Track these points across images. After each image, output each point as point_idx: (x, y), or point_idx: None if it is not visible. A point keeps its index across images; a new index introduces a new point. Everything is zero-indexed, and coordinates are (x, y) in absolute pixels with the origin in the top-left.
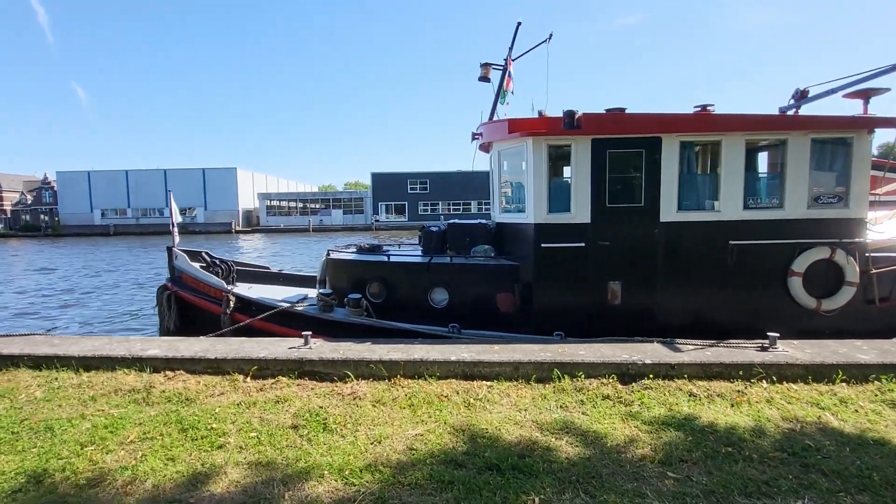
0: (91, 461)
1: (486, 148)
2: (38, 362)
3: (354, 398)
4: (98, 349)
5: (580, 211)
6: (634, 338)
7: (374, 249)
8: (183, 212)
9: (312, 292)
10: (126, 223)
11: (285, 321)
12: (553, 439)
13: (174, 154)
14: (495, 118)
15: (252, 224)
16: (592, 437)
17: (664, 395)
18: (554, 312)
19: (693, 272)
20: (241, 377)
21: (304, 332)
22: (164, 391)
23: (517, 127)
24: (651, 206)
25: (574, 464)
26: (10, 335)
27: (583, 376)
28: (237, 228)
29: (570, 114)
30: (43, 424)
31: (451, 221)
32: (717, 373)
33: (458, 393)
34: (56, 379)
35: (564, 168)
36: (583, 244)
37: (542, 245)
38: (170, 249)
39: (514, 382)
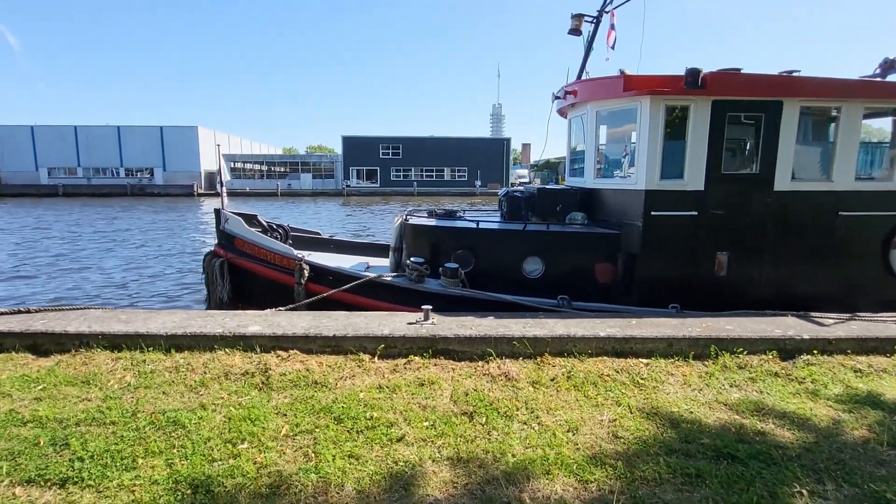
0: (257, 463)
1: (564, 112)
2: (115, 342)
3: (508, 379)
4: (185, 326)
5: (694, 178)
6: (765, 311)
7: (450, 215)
8: (139, 172)
9: (373, 260)
10: (77, 183)
11: (369, 292)
12: (757, 422)
13: (126, 112)
14: (584, 76)
15: (215, 187)
16: (797, 420)
17: (831, 371)
18: (658, 284)
19: (801, 243)
20: (367, 357)
21: (424, 307)
22: (283, 374)
23: (634, 84)
24: (766, 175)
25: (807, 449)
26: (61, 308)
27: (744, 352)
28: (199, 191)
29: (694, 72)
30: (164, 418)
31: (541, 186)
32: (873, 347)
33: (617, 372)
34: (144, 361)
35: (672, 131)
36: (696, 213)
37: (652, 213)
38: (218, 212)
39: (671, 360)
